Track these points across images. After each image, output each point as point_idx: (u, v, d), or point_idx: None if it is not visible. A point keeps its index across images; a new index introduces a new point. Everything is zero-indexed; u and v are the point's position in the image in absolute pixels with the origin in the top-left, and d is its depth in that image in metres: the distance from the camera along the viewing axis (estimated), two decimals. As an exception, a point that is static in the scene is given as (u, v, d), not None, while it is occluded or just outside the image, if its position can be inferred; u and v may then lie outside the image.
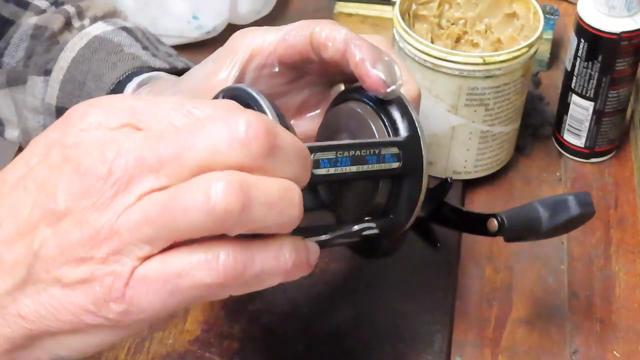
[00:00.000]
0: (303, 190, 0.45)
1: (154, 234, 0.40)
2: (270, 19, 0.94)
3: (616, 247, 0.73)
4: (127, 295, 0.40)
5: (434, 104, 0.72)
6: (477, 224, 0.59)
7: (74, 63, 0.68)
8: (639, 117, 0.80)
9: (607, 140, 0.78)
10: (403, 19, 0.73)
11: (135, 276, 0.40)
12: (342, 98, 0.59)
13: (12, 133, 0.74)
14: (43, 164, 0.42)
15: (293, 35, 0.57)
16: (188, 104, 0.42)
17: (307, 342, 0.64)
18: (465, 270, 0.70)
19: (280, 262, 0.42)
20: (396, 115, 0.55)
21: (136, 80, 0.66)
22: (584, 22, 0.73)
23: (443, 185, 0.60)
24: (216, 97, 0.52)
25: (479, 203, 0.76)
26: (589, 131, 0.78)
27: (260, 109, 0.49)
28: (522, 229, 0.58)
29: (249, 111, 0.42)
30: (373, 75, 0.53)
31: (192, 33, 0.89)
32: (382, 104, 0.55)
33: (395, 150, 0.54)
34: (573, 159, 0.80)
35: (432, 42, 0.75)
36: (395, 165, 0.54)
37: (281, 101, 0.61)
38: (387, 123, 0.55)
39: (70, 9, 0.71)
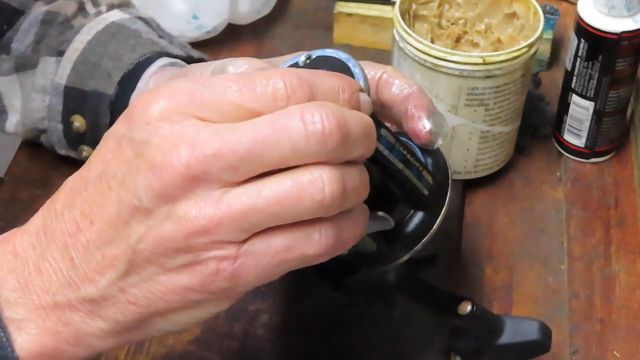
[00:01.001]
0: None
1: (251, 223, 0.41)
2: (270, 19, 0.94)
3: (616, 247, 0.73)
4: (234, 272, 0.42)
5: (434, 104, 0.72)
6: (448, 303, 0.59)
7: (90, 45, 0.69)
8: (639, 117, 0.80)
9: (607, 140, 0.78)
10: (403, 19, 0.73)
11: (242, 253, 0.42)
12: None
13: (12, 121, 0.73)
14: (119, 161, 0.42)
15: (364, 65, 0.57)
16: (251, 82, 0.42)
17: (307, 342, 0.64)
18: (465, 270, 0.70)
19: (359, 229, 0.45)
20: (430, 165, 0.56)
21: (158, 62, 0.66)
22: (584, 22, 0.73)
23: (429, 259, 0.61)
24: (297, 58, 0.52)
25: (479, 203, 0.76)
26: (589, 131, 0.78)
27: (349, 61, 0.50)
28: (486, 327, 0.59)
29: (322, 104, 0.42)
30: (424, 121, 0.55)
31: (192, 33, 0.89)
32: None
33: (430, 180, 0.54)
34: (573, 159, 0.80)
35: (432, 42, 0.75)
36: (425, 192, 0.54)
37: None
38: (424, 161, 0.56)
39: None
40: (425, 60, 0.70)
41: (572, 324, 0.67)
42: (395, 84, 0.57)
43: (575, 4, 0.77)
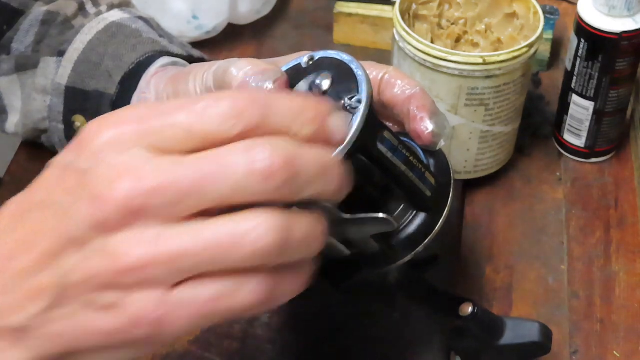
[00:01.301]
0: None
1: (185, 266, 0.39)
2: (270, 19, 0.94)
3: (616, 247, 0.73)
4: (158, 319, 0.40)
5: (434, 104, 0.72)
6: (450, 304, 0.59)
7: (90, 45, 0.68)
8: (639, 117, 0.80)
9: (607, 140, 0.78)
10: (403, 19, 0.73)
11: (169, 299, 0.40)
12: None
13: (13, 121, 0.73)
14: (62, 189, 0.41)
15: (367, 66, 0.56)
16: (198, 105, 0.41)
17: (307, 342, 0.64)
18: (465, 270, 0.70)
19: (299, 285, 0.43)
20: (432, 166, 0.56)
21: (159, 62, 0.66)
22: (584, 22, 0.73)
23: (430, 260, 0.60)
24: (300, 59, 0.53)
25: (479, 203, 0.76)
26: (589, 131, 0.78)
27: (352, 63, 0.50)
28: (486, 328, 0.59)
29: (270, 138, 0.40)
30: (426, 122, 0.55)
31: (192, 33, 0.89)
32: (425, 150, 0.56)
33: (433, 181, 0.54)
34: (573, 159, 0.80)
35: (432, 42, 0.75)
36: (428, 193, 0.54)
37: None
38: (426, 163, 0.56)
39: None
40: (425, 60, 0.70)
41: (572, 324, 0.67)
42: (398, 84, 0.57)
43: (575, 4, 0.77)
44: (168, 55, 0.68)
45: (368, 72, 0.52)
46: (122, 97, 0.67)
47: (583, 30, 0.73)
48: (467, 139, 0.73)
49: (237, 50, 0.91)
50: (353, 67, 0.50)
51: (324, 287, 0.64)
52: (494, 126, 0.73)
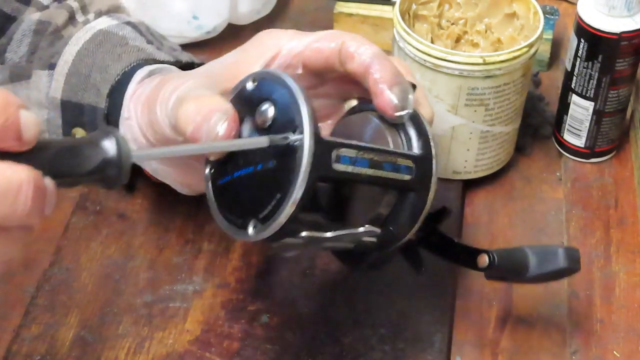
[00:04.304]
0: (318, 186, 0.49)
1: None
2: (270, 19, 0.94)
3: (616, 247, 0.73)
4: None
5: (434, 104, 0.72)
6: (467, 257, 0.60)
7: (79, 56, 0.68)
8: (639, 117, 0.80)
9: (607, 140, 0.79)
10: (403, 19, 0.73)
11: None
12: (357, 109, 0.59)
13: None
14: None
15: (323, 39, 0.58)
16: None
17: (307, 342, 0.64)
18: (465, 271, 0.70)
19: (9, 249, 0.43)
20: (412, 132, 0.56)
21: (147, 68, 0.66)
22: (584, 22, 0.73)
23: (441, 212, 0.60)
24: (245, 81, 0.55)
25: (479, 203, 0.76)
26: (589, 131, 0.78)
27: (291, 91, 0.51)
28: (509, 270, 0.59)
29: None
30: (386, 96, 0.55)
31: (192, 33, 0.89)
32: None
33: (410, 163, 0.55)
34: (573, 159, 0.80)
35: (432, 42, 0.75)
36: (407, 177, 0.55)
37: None
38: (403, 138, 0.56)
39: (73, 3, 0.71)
40: (425, 60, 0.70)
41: (572, 324, 0.67)
42: (356, 56, 0.56)
43: (575, 4, 0.77)
44: (154, 62, 0.67)
45: (325, 44, 0.54)
46: (113, 109, 0.67)
47: (583, 30, 0.73)
48: (467, 139, 0.74)
49: (237, 50, 0.91)
50: (295, 98, 0.51)
51: (323, 288, 0.65)
52: (494, 126, 0.73)
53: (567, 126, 0.79)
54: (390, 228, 0.56)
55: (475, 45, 0.77)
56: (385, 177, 0.54)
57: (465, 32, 0.77)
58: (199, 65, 0.67)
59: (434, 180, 0.56)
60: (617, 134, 0.79)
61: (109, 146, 0.45)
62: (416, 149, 0.56)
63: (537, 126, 0.82)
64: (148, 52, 0.68)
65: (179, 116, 0.55)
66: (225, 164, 0.55)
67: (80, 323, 0.65)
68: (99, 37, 0.69)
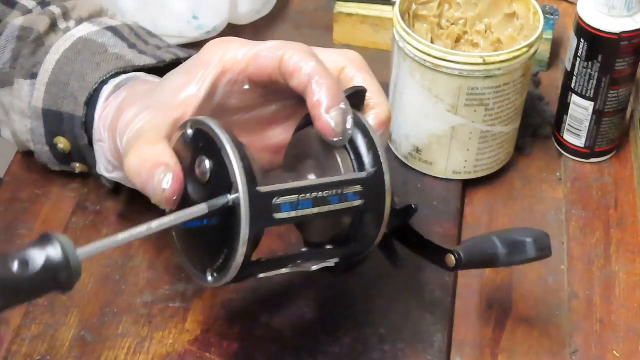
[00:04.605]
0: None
1: None
2: (270, 19, 0.94)
3: (616, 247, 0.73)
4: None
5: (434, 104, 0.72)
6: (436, 255, 0.60)
7: (59, 65, 0.68)
8: (639, 117, 0.80)
9: (607, 140, 0.78)
10: (403, 19, 0.73)
11: None
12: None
13: (6, 133, 0.74)
14: None
15: (264, 57, 0.58)
16: None
17: (307, 342, 0.64)
18: (465, 271, 0.70)
19: None
20: (362, 148, 0.56)
21: (113, 82, 0.67)
22: (584, 22, 0.73)
23: (407, 210, 0.60)
24: (185, 126, 0.55)
25: (478, 203, 0.76)
26: (589, 131, 0.78)
27: (223, 149, 0.52)
28: (478, 263, 0.60)
29: None
30: (324, 121, 0.55)
31: (192, 33, 0.89)
32: None
33: (358, 188, 0.55)
34: (573, 159, 0.80)
35: (432, 42, 0.75)
36: (358, 202, 0.55)
37: (253, 113, 0.62)
38: (352, 156, 0.56)
39: (55, 9, 0.71)
40: (425, 60, 0.70)
41: (572, 324, 0.67)
42: (295, 72, 0.56)
43: (575, 4, 0.77)
44: (132, 71, 0.68)
45: (267, 61, 0.55)
46: (91, 118, 0.67)
47: (583, 30, 0.73)
48: (467, 139, 0.74)
49: (237, 50, 0.91)
50: (227, 157, 0.52)
51: (323, 288, 0.65)
52: (494, 126, 0.73)
53: (567, 126, 0.79)
54: (352, 245, 0.57)
55: (475, 45, 0.77)
56: (334, 210, 0.55)
57: (465, 32, 0.77)
58: (185, 59, 0.67)
59: (388, 195, 0.56)
60: (617, 134, 0.79)
61: (54, 253, 0.46)
62: (367, 164, 0.56)
63: (537, 126, 0.82)
64: (127, 59, 0.68)
65: (126, 169, 0.57)
66: None
67: (80, 323, 0.65)
68: (79, 46, 0.69)
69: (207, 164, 0.54)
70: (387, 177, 0.56)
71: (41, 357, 0.63)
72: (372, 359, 0.63)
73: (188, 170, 0.56)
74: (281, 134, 0.63)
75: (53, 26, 0.71)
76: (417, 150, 0.76)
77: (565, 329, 0.66)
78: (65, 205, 0.74)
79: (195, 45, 0.89)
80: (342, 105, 0.55)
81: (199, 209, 0.52)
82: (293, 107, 0.62)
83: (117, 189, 0.72)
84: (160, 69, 0.68)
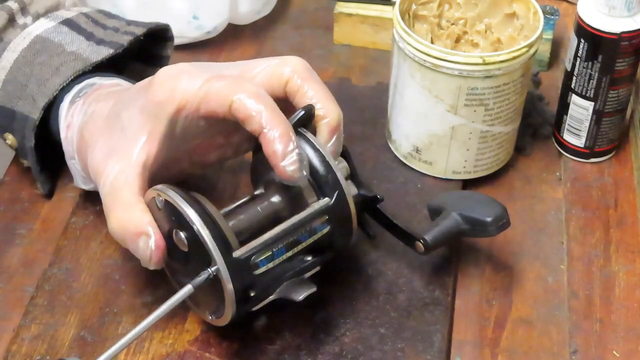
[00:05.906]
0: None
1: None
2: (271, 19, 0.94)
3: (616, 247, 0.73)
4: None
5: (433, 104, 0.72)
6: (406, 240, 0.66)
7: (17, 64, 0.69)
8: (639, 117, 0.80)
9: (607, 140, 0.79)
10: (403, 19, 0.73)
11: None
12: None
13: None
14: None
15: (213, 102, 0.58)
16: None
17: (307, 342, 0.64)
18: (465, 270, 0.70)
19: None
20: (320, 173, 0.60)
21: (76, 88, 0.68)
22: (584, 22, 0.73)
23: (374, 199, 0.66)
24: (154, 190, 0.58)
25: (478, 203, 0.76)
26: (589, 131, 0.78)
27: (194, 226, 0.56)
28: (444, 242, 0.66)
29: None
30: (282, 171, 0.57)
31: (192, 33, 0.89)
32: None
33: (325, 217, 0.60)
34: (573, 159, 0.80)
35: (432, 42, 0.75)
36: (326, 230, 0.60)
37: (216, 139, 0.65)
38: (313, 183, 0.60)
39: (13, 4, 0.72)
40: (425, 60, 0.70)
41: (571, 324, 0.67)
42: (247, 120, 0.58)
43: (575, 4, 0.77)
44: (90, 69, 0.69)
45: (216, 106, 0.58)
46: (45, 122, 0.68)
47: (583, 30, 0.73)
48: (467, 139, 0.74)
49: (237, 50, 0.91)
50: (199, 233, 0.56)
51: (323, 288, 0.65)
52: (494, 126, 0.73)
53: (567, 126, 0.79)
54: (328, 253, 0.62)
55: (475, 45, 0.77)
56: (306, 245, 0.59)
57: (465, 32, 0.77)
58: (142, 35, 0.71)
59: (352, 208, 0.61)
60: (617, 134, 0.79)
61: None
62: (328, 189, 0.60)
63: (537, 126, 0.82)
64: (85, 56, 0.69)
65: (110, 232, 0.60)
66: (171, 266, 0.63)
67: (80, 323, 0.65)
68: (37, 46, 0.70)
69: (182, 235, 0.58)
70: (349, 199, 0.61)
71: (41, 357, 0.63)
72: (372, 359, 0.63)
73: (167, 235, 0.59)
74: (245, 142, 0.67)
75: (11, 21, 0.71)
76: (417, 150, 0.76)
77: (565, 329, 0.66)
78: (65, 205, 0.74)
79: (196, 45, 0.89)
80: (297, 152, 0.57)
81: (186, 290, 0.57)
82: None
83: (51, 194, 0.74)
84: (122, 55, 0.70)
